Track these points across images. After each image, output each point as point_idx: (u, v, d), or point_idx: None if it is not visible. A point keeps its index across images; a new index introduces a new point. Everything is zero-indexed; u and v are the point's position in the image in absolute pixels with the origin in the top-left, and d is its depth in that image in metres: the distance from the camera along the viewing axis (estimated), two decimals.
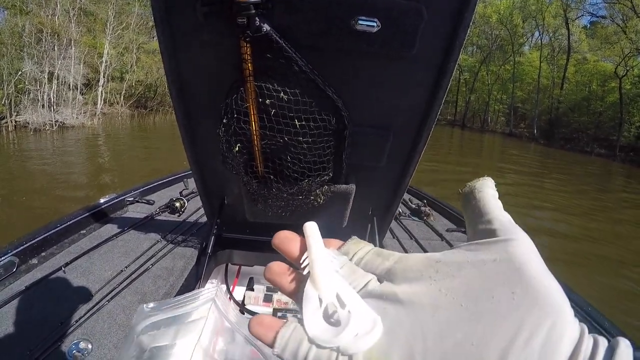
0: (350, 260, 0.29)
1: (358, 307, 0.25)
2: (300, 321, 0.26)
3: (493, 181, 0.33)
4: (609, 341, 0.22)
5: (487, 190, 0.32)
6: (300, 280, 0.29)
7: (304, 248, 0.30)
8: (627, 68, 20.60)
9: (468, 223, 0.31)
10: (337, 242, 0.31)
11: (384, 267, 0.28)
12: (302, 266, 0.29)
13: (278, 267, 0.31)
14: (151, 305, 0.70)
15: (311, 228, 0.31)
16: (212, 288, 0.76)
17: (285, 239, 0.32)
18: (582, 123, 23.19)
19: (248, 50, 0.92)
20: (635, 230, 7.60)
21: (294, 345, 0.25)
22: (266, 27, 0.87)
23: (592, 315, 1.40)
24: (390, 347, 0.23)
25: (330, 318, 0.26)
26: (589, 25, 30.67)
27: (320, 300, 0.26)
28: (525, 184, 11.30)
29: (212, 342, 0.74)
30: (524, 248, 0.25)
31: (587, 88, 24.30)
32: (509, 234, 0.26)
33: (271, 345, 0.26)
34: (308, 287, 0.27)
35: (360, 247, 0.30)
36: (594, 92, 23.53)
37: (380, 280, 0.28)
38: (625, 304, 4.48)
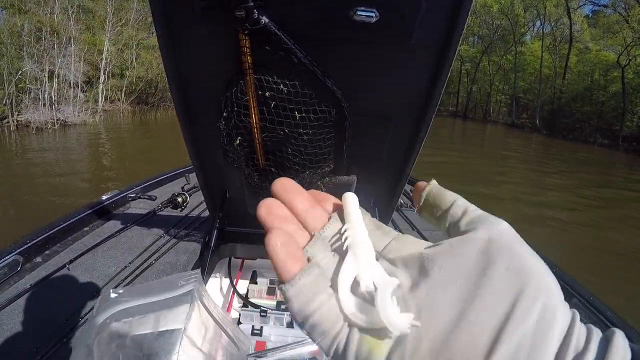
0: None
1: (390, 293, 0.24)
2: (321, 272, 0.25)
3: (435, 181, 0.31)
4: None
5: (442, 190, 0.30)
6: (303, 236, 0.27)
7: (310, 206, 0.29)
8: (630, 57, 20.42)
9: (443, 227, 0.29)
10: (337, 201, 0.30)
11: (383, 242, 0.28)
12: (344, 241, 0.27)
13: (290, 184, 0.28)
14: (120, 291, 0.69)
15: (352, 200, 0.29)
16: (191, 274, 0.74)
17: (290, 190, 0.29)
18: (585, 113, 23.05)
19: (247, 43, 0.92)
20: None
21: (308, 296, 0.24)
22: (264, 19, 0.86)
23: (594, 305, 1.40)
24: None
25: (363, 298, 0.25)
26: (590, 14, 30.41)
27: (358, 282, 0.25)
28: (528, 172, 11.30)
29: (199, 331, 0.74)
30: (510, 230, 0.25)
31: (590, 78, 24.12)
32: (492, 219, 0.26)
33: (285, 278, 0.25)
34: (348, 264, 0.25)
35: (362, 216, 0.29)
36: (596, 82, 23.38)
37: (376, 257, 0.27)
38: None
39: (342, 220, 0.29)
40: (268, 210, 0.27)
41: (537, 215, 7.57)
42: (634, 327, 1.29)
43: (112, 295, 0.67)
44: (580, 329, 0.21)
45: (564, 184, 10.52)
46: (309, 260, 0.26)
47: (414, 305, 0.23)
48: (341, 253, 0.27)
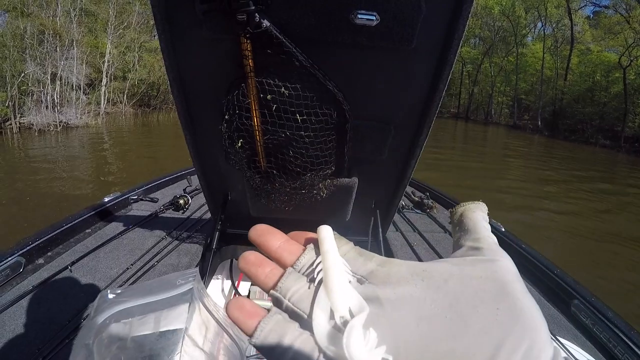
0: None
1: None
2: (289, 316, 0.26)
3: (486, 207, 0.34)
4: None
5: (479, 212, 0.33)
6: (276, 274, 0.28)
7: (283, 242, 0.30)
8: (631, 58, 20.35)
9: (456, 238, 0.31)
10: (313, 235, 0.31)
11: (366, 268, 0.28)
12: (316, 271, 0.27)
13: (255, 258, 0.29)
14: (118, 291, 0.68)
15: (325, 232, 0.30)
16: (189, 273, 0.74)
17: (264, 232, 0.30)
18: (587, 114, 22.96)
19: (248, 46, 0.92)
20: None
21: (275, 339, 0.24)
22: (266, 23, 0.87)
23: (596, 306, 1.39)
24: None
25: (338, 330, 0.24)
26: (592, 15, 30.34)
27: (332, 313, 0.25)
28: (530, 172, 11.31)
29: (200, 330, 0.73)
30: (508, 269, 0.26)
31: (591, 79, 24.05)
32: (494, 255, 0.27)
33: (249, 334, 0.25)
34: (321, 296, 0.26)
35: (341, 245, 0.29)
36: (598, 83, 23.32)
37: (360, 282, 0.27)
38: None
39: (317, 251, 0.29)
40: (245, 261, 0.29)
41: (538, 207, 7.69)
42: (637, 329, 1.29)
43: (110, 295, 0.67)
44: None
45: (563, 179, 10.69)
46: (276, 302, 0.27)
47: (395, 336, 0.23)
48: (316, 283, 0.27)
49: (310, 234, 0.31)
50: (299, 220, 1.77)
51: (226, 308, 0.27)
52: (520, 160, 13.59)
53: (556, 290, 1.53)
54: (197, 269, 0.85)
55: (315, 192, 1.28)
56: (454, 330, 0.22)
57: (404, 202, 2.37)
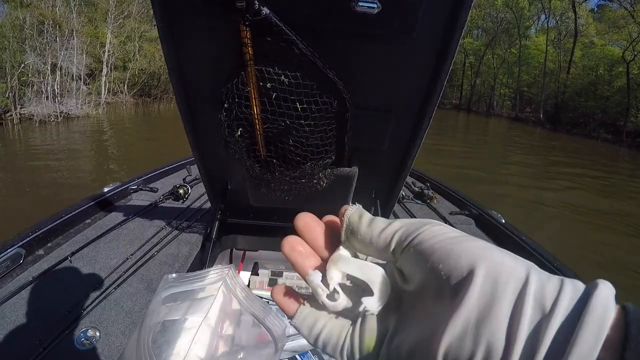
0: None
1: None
2: (318, 298, 0.28)
3: (359, 206, 0.30)
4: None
5: (365, 216, 0.29)
6: (318, 263, 0.31)
7: (328, 235, 0.31)
8: (635, 52, 20.17)
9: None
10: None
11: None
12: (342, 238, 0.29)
13: (303, 249, 0.31)
14: (174, 275, 0.71)
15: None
16: (224, 267, 0.76)
17: (309, 225, 0.31)
18: (589, 108, 22.82)
19: (248, 34, 0.92)
20: None
21: (311, 321, 0.29)
22: (265, 10, 0.86)
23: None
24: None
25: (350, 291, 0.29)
26: (596, 9, 30.12)
27: (344, 274, 0.28)
28: (531, 165, 11.34)
29: (220, 321, 0.75)
30: (439, 229, 0.25)
31: (594, 72, 23.84)
32: (424, 222, 0.26)
33: (291, 316, 0.30)
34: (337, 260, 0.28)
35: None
36: (601, 77, 23.11)
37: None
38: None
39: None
40: (291, 247, 0.30)
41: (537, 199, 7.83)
42: None
43: (170, 277, 0.70)
44: (544, 283, 0.20)
45: (564, 172, 10.81)
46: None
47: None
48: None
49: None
50: (298, 209, 1.76)
51: (271, 293, 0.32)
52: (521, 156, 13.62)
53: None
54: (232, 265, 0.85)
55: (315, 181, 1.28)
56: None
57: (404, 192, 2.36)
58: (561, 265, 1.60)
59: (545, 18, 29.15)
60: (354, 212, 0.28)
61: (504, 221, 2.02)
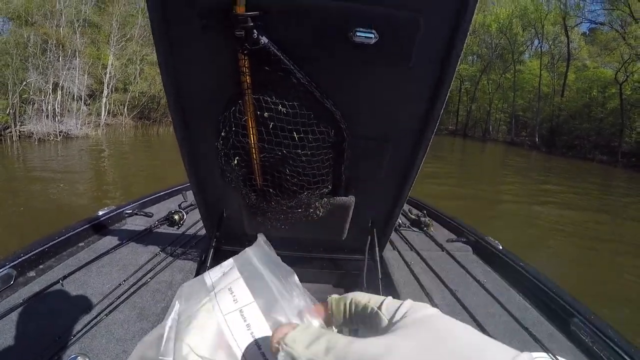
0: None
1: None
2: None
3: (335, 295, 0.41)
4: None
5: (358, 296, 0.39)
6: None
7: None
8: (627, 74, 20.56)
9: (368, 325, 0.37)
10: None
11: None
12: None
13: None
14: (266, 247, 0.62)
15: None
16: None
17: None
18: (584, 130, 23.11)
19: (246, 62, 0.91)
20: None
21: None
22: (264, 39, 0.86)
23: (595, 324, 1.36)
24: None
25: None
26: (588, 32, 30.80)
27: None
28: (527, 188, 11.47)
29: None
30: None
31: (588, 95, 24.24)
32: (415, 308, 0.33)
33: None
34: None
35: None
36: (594, 99, 23.49)
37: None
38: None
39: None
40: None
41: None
42: (637, 346, 1.26)
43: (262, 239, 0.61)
44: None
45: (559, 190, 11.09)
46: None
47: None
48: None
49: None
50: (294, 238, 1.75)
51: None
52: (517, 177, 13.73)
53: (555, 309, 1.50)
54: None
55: (311, 210, 1.26)
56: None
57: (401, 220, 2.34)
58: (559, 291, 1.57)
59: (539, 43, 29.85)
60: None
61: (501, 247, 1.99)
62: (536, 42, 30.76)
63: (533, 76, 28.88)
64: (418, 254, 1.89)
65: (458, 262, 1.83)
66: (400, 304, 0.33)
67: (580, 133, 23.30)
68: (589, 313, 1.40)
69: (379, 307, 0.34)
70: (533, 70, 29.23)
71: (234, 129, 1.03)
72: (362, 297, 0.37)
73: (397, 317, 0.32)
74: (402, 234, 2.14)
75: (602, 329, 1.31)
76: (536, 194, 10.60)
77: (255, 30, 0.84)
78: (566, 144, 23.66)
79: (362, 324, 0.37)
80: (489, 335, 1.27)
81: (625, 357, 1.20)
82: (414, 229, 2.27)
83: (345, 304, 0.38)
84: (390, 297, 0.35)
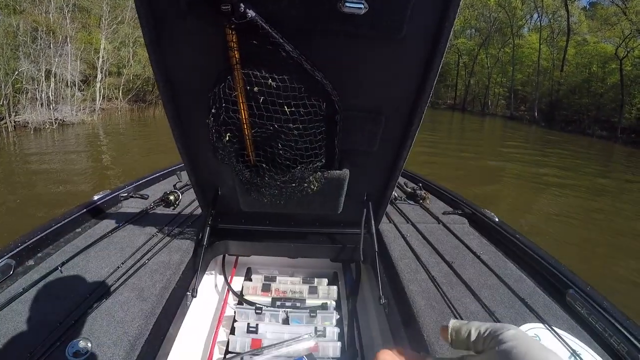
0: None
1: None
2: None
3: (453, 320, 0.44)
4: None
5: (460, 323, 0.43)
6: None
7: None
8: (628, 49, 20.33)
9: (472, 348, 0.41)
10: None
11: None
12: None
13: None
14: None
15: None
16: None
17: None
18: (583, 105, 22.97)
19: (234, 37, 0.90)
20: None
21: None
22: (251, 13, 0.85)
23: (591, 295, 1.39)
24: None
25: None
26: (588, 7, 30.32)
27: None
28: (526, 162, 11.53)
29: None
30: (520, 334, 0.36)
31: (588, 70, 23.98)
32: (504, 331, 0.37)
33: None
34: None
35: None
36: (594, 74, 23.26)
37: None
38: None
39: None
40: None
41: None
42: (632, 319, 1.28)
43: None
44: None
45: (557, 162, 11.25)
46: None
47: None
48: None
49: None
50: (290, 213, 1.76)
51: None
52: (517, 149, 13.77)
53: (551, 280, 1.52)
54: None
55: (305, 185, 1.26)
56: None
57: (396, 193, 2.35)
58: (555, 263, 1.59)
59: (538, 17, 29.37)
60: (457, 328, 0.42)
61: (497, 219, 2.01)
62: (535, 15, 30.31)
63: (532, 50, 28.54)
64: (414, 226, 1.91)
65: (454, 234, 1.84)
66: (505, 330, 0.36)
67: (579, 108, 23.17)
68: (584, 285, 1.42)
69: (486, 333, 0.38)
70: (532, 44, 28.86)
71: (224, 105, 1.03)
72: (479, 325, 0.41)
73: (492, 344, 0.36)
74: (398, 207, 2.15)
75: (597, 301, 1.33)
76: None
77: (241, 4, 0.83)
78: (565, 118, 23.57)
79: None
80: (485, 306, 1.30)
81: (621, 328, 1.21)
82: (410, 201, 2.27)
83: (465, 331, 0.42)
84: (501, 324, 0.38)
